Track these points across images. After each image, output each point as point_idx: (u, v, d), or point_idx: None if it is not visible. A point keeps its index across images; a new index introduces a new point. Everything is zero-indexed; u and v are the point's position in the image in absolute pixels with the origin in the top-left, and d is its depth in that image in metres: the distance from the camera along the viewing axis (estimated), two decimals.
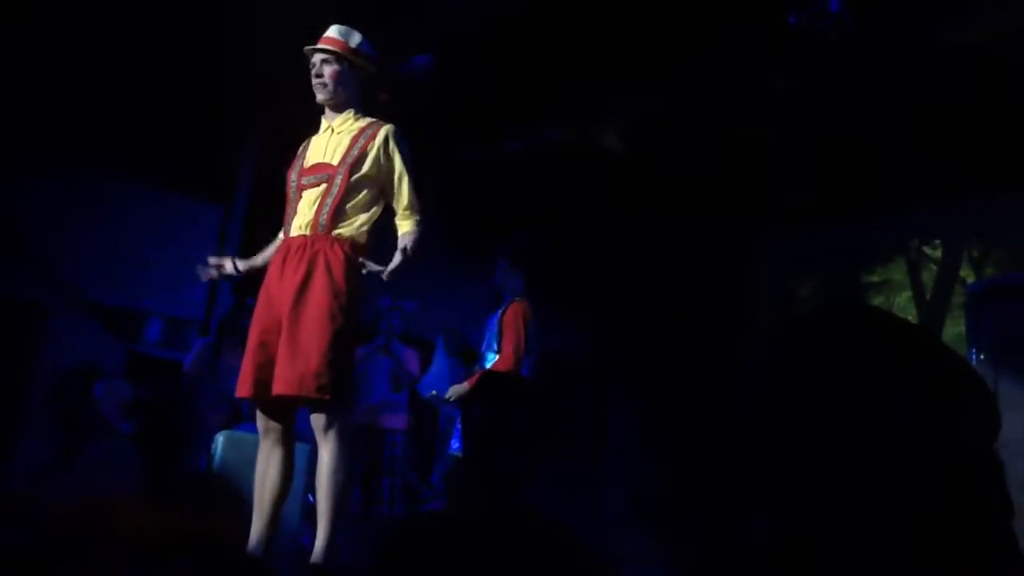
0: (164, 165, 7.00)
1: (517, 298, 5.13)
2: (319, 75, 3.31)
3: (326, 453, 3.03)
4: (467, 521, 1.73)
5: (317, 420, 3.04)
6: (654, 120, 6.07)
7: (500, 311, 5.13)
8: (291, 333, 3.03)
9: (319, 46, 3.32)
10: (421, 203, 3.27)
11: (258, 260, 3.52)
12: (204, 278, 3.55)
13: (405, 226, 3.26)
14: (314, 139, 3.41)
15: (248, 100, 6.61)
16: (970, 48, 4.89)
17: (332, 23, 3.39)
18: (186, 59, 6.21)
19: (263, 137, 7.10)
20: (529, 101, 6.29)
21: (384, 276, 3.10)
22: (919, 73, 5.17)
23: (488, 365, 5.02)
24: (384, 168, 3.24)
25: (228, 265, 3.49)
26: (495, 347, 5.05)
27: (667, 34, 5.35)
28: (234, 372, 3.35)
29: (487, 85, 6.13)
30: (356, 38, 3.35)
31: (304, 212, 3.22)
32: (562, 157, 6.58)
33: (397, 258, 3.13)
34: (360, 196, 3.23)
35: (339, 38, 3.33)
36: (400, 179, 3.25)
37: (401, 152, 3.25)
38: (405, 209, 3.26)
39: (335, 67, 3.30)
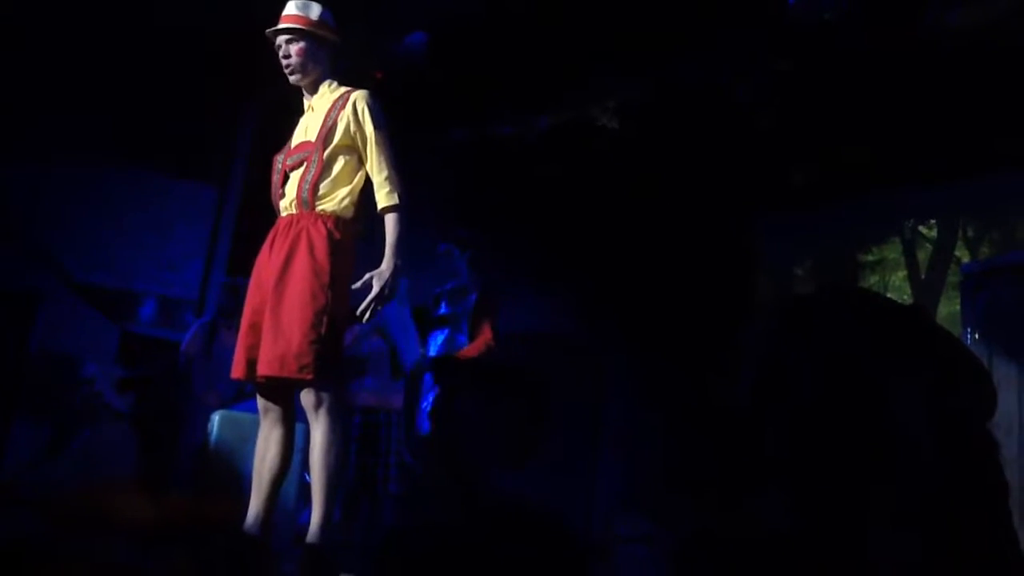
0: (160, 147, 6.97)
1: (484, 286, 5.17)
2: (287, 56, 3.24)
3: (317, 432, 3.03)
4: (457, 505, 1.74)
5: (306, 399, 3.03)
6: (652, 101, 6.06)
7: (474, 295, 5.11)
8: (274, 313, 3.02)
9: (281, 26, 3.25)
10: (397, 172, 3.17)
11: None
12: None
13: (383, 201, 3.15)
14: (300, 120, 3.39)
15: (243, 81, 6.57)
16: (966, 29, 4.88)
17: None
18: (180, 41, 6.17)
19: (259, 118, 7.06)
20: (525, 82, 6.27)
21: (381, 295, 3.06)
22: (916, 54, 5.17)
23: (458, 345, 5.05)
24: (357, 135, 3.18)
25: None
26: (464, 328, 5.03)
27: (666, 15, 5.33)
28: (230, 352, 3.34)
29: (484, 65, 6.11)
30: (316, 10, 3.28)
31: (290, 192, 3.21)
32: (559, 138, 6.56)
33: (387, 266, 3.08)
34: (339, 168, 3.17)
35: (299, 13, 3.25)
36: (372, 143, 3.15)
37: (373, 115, 3.17)
38: (380, 180, 3.15)
39: (301, 44, 3.23)
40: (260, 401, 3.19)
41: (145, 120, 6.86)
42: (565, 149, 6.68)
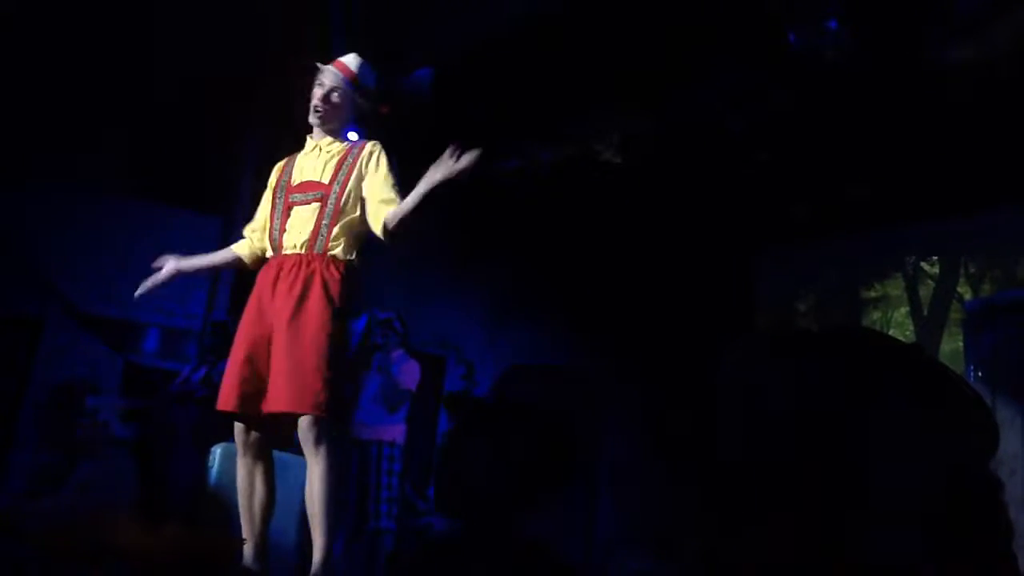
0: (163, 178, 7.01)
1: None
2: (319, 96, 3.30)
3: (316, 468, 3.01)
4: (460, 540, 1.72)
5: (308, 435, 3.01)
6: (655, 136, 6.09)
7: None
8: (288, 351, 3.02)
9: (330, 66, 3.33)
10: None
11: (201, 262, 3.68)
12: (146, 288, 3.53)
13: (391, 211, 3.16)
14: (299, 157, 3.38)
15: (248, 112, 6.62)
16: (967, 65, 4.91)
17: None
18: (185, 72, 6.22)
19: (261, 149, 7.10)
20: (530, 117, 6.31)
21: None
22: (917, 91, 5.20)
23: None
24: (368, 177, 3.22)
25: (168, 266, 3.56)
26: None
27: (669, 51, 5.37)
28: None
29: (488, 100, 6.15)
30: (366, 71, 3.37)
31: (297, 230, 3.19)
32: (563, 172, 6.59)
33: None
34: (353, 215, 3.20)
35: (351, 67, 3.34)
36: (384, 180, 3.19)
37: (389, 162, 3.24)
38: (390, 202, 3.16)
39: (337, 91, 3.31)
40: (241, 435, 3.15)
41: (149, 151, 6.91)
42: (567, 183, 6.71)
